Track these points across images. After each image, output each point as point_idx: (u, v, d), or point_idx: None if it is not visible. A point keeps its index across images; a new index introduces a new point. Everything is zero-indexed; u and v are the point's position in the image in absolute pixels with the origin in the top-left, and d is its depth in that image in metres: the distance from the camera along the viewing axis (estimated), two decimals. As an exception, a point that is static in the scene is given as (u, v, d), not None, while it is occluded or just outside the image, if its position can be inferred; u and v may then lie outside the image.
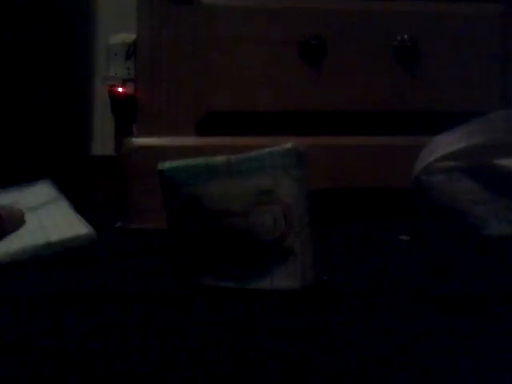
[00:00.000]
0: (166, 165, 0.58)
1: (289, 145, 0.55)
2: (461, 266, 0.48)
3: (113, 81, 1.30)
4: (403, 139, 1.02)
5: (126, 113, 1.27)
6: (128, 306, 0.53)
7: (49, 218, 0.74)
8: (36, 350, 0.41)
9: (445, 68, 1.05)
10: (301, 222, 0.55)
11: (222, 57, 1.01)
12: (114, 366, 0.38)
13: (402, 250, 0.80)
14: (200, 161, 0.57)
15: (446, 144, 0.44)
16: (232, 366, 0.38)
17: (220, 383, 0.36)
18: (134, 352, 0.41)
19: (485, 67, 1.06)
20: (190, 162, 0.58)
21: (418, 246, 0.78)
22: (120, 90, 1.28)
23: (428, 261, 0.54)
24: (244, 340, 0.43)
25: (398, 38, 1.05)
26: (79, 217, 0.75)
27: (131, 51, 1.31)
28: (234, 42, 1.01)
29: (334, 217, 0.97)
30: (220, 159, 0.56)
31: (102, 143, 1.39)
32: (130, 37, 1.29)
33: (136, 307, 0.53)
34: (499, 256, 0.45)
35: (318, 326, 0.47)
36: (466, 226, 0.45)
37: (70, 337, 0.44)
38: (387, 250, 0.80)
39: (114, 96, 1.30)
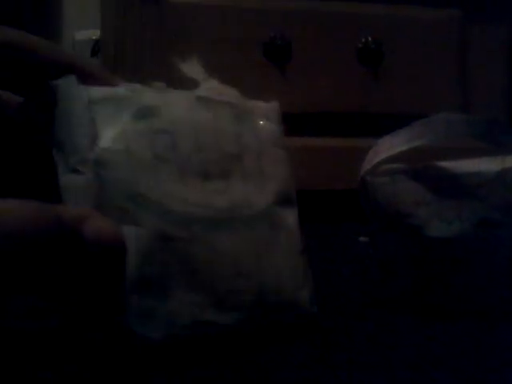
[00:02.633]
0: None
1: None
2: (403, 268, 0.49)
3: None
4: (366, 141, 1.03)
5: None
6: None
7: None
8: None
9: (407, 71, 1.07)
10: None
11: (186, 56, 1.01)
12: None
13: (359, 251, 0.81)
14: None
15: (389, 146, 0.45)
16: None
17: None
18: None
19: (446, 71, 1.08)
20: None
21: (373, 247, 0.79)
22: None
23: (378, 261, 0.55)
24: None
25: (363, 40, 1.06)
26: None
27: (97, 48, 1.30)
28: (199, 41, 1.01)
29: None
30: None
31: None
32: (96, 33, 1.28)
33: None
34: (439, 256, 0.46)
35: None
36: (409, 227, 0.46)
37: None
38: (345, 251, 0.81)
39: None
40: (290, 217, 0.44)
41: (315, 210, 1.04)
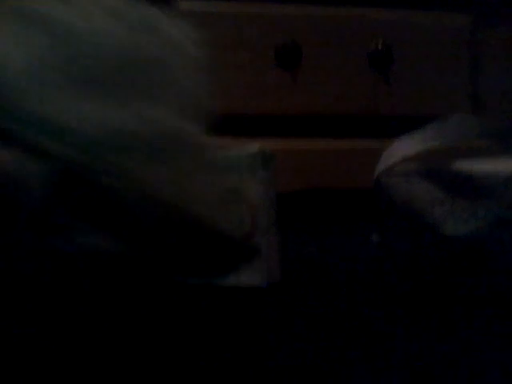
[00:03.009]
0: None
1: (255, 147, 0.56)
2: (421, 265, 0.49)
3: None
4: (375, 143, 1.04)
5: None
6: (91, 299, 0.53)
7: None
8: None
9: (417, 74, 1.07)
10: (267, 221, 0.56)
11: (198, 60, 1.02)
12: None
13: (371, 250, 0.81)
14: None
15: (403, 148, 0.46)
16: (196, 360, 0.39)
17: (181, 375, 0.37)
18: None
19: (456, 74, 1.08)
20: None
21: (388, 246, 0.79)
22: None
23: (392, 260, 0.56)
24: (207, 334, 0.44)
25: (373, 44, 1.07)
26: None
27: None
28: (211, 47, 1.02)
29: (307, 218, 0.99)
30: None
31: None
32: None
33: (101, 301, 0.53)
34: (455, 254, 0.46)
35: (281, 323, 0.48)
36: (424, 226, 0.46)
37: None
38: (358, 250, 0.82)
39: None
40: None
41: (327, 211, 1.04)
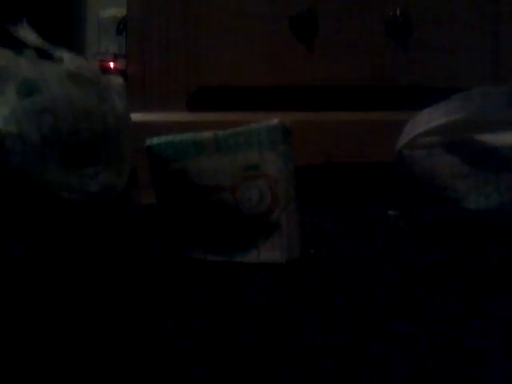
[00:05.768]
0: (154, 141, 0.58)
1: (274, 121, 0.56)
2: (443, 239, 0.49)
3: (104, 56, 1.30)
4: (395, 114, 1.02)
5: (117, 88, 1.27)
6: (119, 277, 0.54)
7: None
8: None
9: (437, 43, 1.05)
10: (287, 196, 0.56)
11: (212, 32, 1.01)
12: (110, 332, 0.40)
13: (389, 225, 0.81)
14: (187, 136, 0.58)
15: (426, 120, 0.45)
16: (217, 336, 0.40)
17: (204, 351, 0.37)
18: (125, 320, 0.42)
19: (476, 42, 1.06)
20: (177, 137, 0.58)
21: (406, 220, 0.79)
22: (111, 65, 1.28)
23: (413, 234, 0.55)
24: (229, 312, 0.45)
25: (390, 12, 1.05)
26: None
27: (122, 26, 1.30)
28: (225, 17, 1.01)
29: (325, 192, 0.99)
30: (207, 135, 0.57)
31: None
32: (120, 11, 1.28)
33: (126, 278, 0.54)
34: (477, 228, 0.46)
35: (301, 299, 0.48)
36: (446, 200, 0.46)
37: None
38: (376, 225, 0.81)
39: (105, 72, 1.30)
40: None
41: (345, 185, 1.04)
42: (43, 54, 0.44)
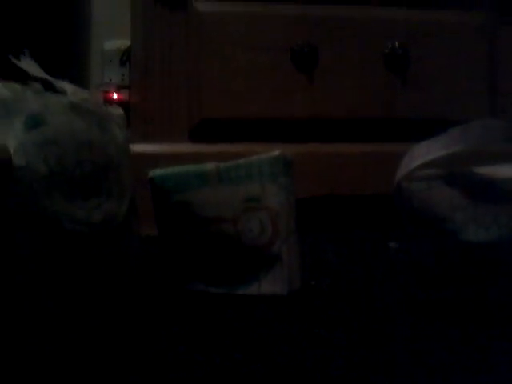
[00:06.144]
0: (157, 172, 0.59)
1: (276, 153, 0.56)
2: (443, 272, 0.49)
3: (107, 87, 1.31)
4: (396, 146, 1.03)
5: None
6: (120, 309, 0.54)
7: None
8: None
9: (434, 76, 1.06)
10: (288, 228, 0.56)
11: (214, 64, 1.02)
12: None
13: (390, 257, 0.81)
14: (190, 168, 0.59)
15: (425, 152, 0.46)
16: (218, 368, 0.39)
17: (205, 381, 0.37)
18: (125, 351, 0.42)
19: (473, 75, 1.07)
20: (180, 169, 0.59)
21: (406, 252, 0.79)
22: (115, 96, 1.29)
23: (413, 267, 0.55)
24: (231, 343, 0.44)
25: (389, 45, 1.06)
26: None
27: (126, 57, 1.32)
28: (227, 49, 1.03)
29: (325, 224, 0.99)
30: (209, 166, 0.58)
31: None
32: (124, 43, 1.31)
33: (126, 310, 0.54)
34: (478, 261, 0.46)
35: (302, 331, 0.48)
36: (446, 232, 0.46)
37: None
38: (376, 257, 0.81)
39: (108, 102, 1.31)
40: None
41: (345, 217, 1.04)
42: (46, 86, 0.45)
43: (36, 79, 0.46)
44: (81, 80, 1.41)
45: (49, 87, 0.45)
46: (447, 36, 1.07)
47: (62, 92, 0.44)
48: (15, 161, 0.37)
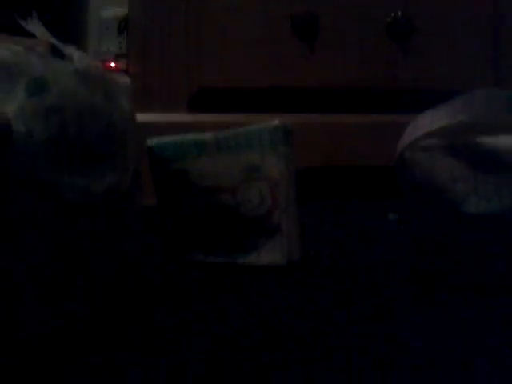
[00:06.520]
0: (155, 141, 0.58)
1: (276, 122, 0.56)
2: (443, 243, 0.49)
3: (105, 56, 1.30)
4: (397, 117, 1.02)
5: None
6: (117, 279, 0.54)
7: None
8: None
9: (437, 45, 1.05)
10: (287, 198, 0.56)
11: (213, 32, 1.01)
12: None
13: (390, 228, 0.81)
14: (188, 137, 0.58)
15: (428, 122, 0.45)
16: (217, 338, 0.39)
17: (204, 353, 0.37)
18: (124, 321, 0.42)
19: (477, 44, 1.06)
20: (178, 138, 0.58)
21: (406, 223, 0.79)
22: (112, 65, 1.28)
23: (413, 238, 0.55)
24: (230, 313, 0.44)
25: (392, 14, 1.05)
26: None
27: (123, 26, 1.30)
28: (226, 18, 1.01)
29: (326, 194, 0.98)
30: (208, 136, 0.57)
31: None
32: (122, 11, 1.29)
33: (124, 279, 0.54)
34: (477, 232, 0.46)
35: (301, 302, 0.48)
36: (446, 203, 0.46)
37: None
38: (376, 228, 0.81)
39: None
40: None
41: (345, 187, 1.04)
42: (53, 51, 0.44)
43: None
44: (78, 48, 1.39)
45: (56, 52, 0.44)
46: (451, 5, 1.05)
47: (69, 58, 0.43)
48: (14, 126, 0.36)
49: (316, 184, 0.98)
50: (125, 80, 0.48)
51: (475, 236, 0.47)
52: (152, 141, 0.59)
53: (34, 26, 0.44)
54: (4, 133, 0.34)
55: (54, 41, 0.44)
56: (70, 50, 0.44)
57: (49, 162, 0.37)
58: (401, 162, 0.48)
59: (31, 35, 0.44)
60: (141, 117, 0.97)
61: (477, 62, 1.05)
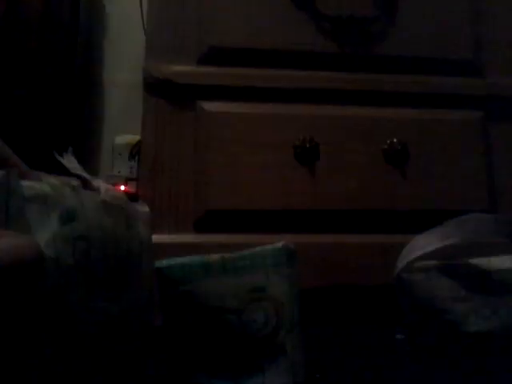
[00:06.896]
0: (164, 263, 0.61)
1: (279, 243, 0.58)
2: (445, 364, 0.49)
3: (116, 179, 1.36)
4: (395, 238, 1.05)
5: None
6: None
7: None
8: None
9: (433, 170, 1.10)
10: (291, 319, 0.57)
11: (220, 159, 1.07)
12: None
13: (397, 349, 0.80)
14: (196, 259, 0.60)
15: (423, 244, 0.47)
16: None
17: None
18: None
19: (471, 169, 1.11)
20: (186, 260, 0.61)
21: (413, 343, 0.79)
22: (122, 188, 1.34)
23: (417, 358, 0.56)
24: None
25: (388, 141, 1.11)
26: None
27: (135, 152, 1.38)
28: (233, 146, 1.07)
29: (329, 315, 0.98)
30: (215, 257, 0.60)
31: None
32: (133, 138, 1.37)
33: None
34: (478, 351, 0.46)
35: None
36: (446, 323, 0.47)
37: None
38: (383, 349, 0.81)
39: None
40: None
41: (349, 307, 1.04)
42: (83, 182, 0.48)
43: (75, 175, 0.50)
44: (91, 172, 1.46)
45: (85, 183, 0.48)
46: (444, 133, 1.12)
47: (97, 189, 0.48)
48: (46, 252, 0.40)
49: (321, 303, 0.99)
50: (145, 209, 0.52)
51: (476, 355, 0.47)
52: (161, 262, 0.61)
53: (69, 161, 0.49)
54: (37, 260, 0.37)
55: (85, 174, 0.49)
56: (98, 183, 0.48)
57: (74, 285, 0.40)
58: (399, 282, 0.50)
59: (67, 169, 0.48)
60: (149, 238, 1.01)
61: (472, 184, 1.10)
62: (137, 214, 0.50)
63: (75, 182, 0.47)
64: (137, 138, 1.26)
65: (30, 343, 0.37)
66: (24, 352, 0.36)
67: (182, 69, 1.10)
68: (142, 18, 1.40)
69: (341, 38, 1.14)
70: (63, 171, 0.48)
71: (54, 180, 0.45)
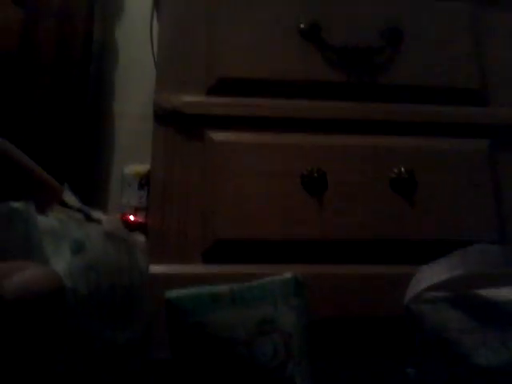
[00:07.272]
0: (173, 294, 0.61)
1: (288, 274, 0.59)
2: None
3: (125, 209, 1.37)
4: (404, 268, 1.04)
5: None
6: None
7: None
8: None
9: (441, 199, 1.10)
10: (300, 351, 0.57)
11: (229, 188, 1.07)
12: None
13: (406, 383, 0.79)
14: (205, 290, 0.61)
15: (430, 275, 0.48)
16: None
17: None
18: None
19: (479, 196, 1.11)
20: (195, 291, 0.61)
21: (423, 378, 0.78)
22: (131, 218, 1.34)
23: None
24: None
25: (395, 170, 1.11)
26: None
27: (144, 181, 1.39)
28: (241, 175, 1.08)
29: (340, 347, 0.97)
30: (224, 288, 0.60)
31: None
32: (143, 168, 1.38)
33: None
34: (488, 385, 0.46)
35: None
36: (456, 355, 0.47)
37: None
38: (392, 383, 0.80)
39: (125, 224, 1.36)
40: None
41: (359, 338, 1.03)
42: (85, 215, 0.50)
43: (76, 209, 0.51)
44: (100, 201, 1.47)
45: (86, 216, 0.50)
46: (452, 161, 1.12)
47: (97, 221, 0.49)
48: (65, 283, 0.41)
49: (331, 335, 0.98)
50: (141, 239, 0.54)
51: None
52: (170, 293, 0.61)
53: (68, 195, 0.51)
54: (60, 290, 0.39)
55: (83, 208, 0.50)
56: (98, 215, 0.50)
57: (87, 314, 0.41)
58: (408, 313, 0.50)
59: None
60: (158, 268, 1.01)
61: (480, 213, 1.10)
62: (136, 244, 0.52)
63: (78, 215, 0.49)
64: (145, 167, 1.27)
65: (46, 361, 0.38)
66: (40, 367, 0.37)
67: (191, 99, 1.12)
68: (153, 50, 1.43)
69: (347, 68, 1.16)
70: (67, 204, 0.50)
71: (59, 214, 0.46)
